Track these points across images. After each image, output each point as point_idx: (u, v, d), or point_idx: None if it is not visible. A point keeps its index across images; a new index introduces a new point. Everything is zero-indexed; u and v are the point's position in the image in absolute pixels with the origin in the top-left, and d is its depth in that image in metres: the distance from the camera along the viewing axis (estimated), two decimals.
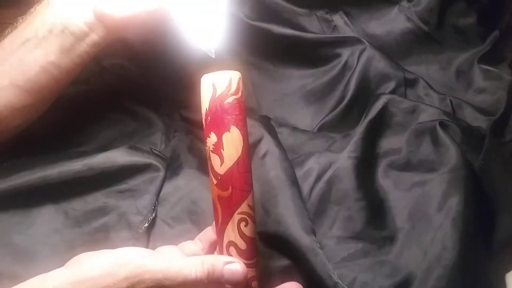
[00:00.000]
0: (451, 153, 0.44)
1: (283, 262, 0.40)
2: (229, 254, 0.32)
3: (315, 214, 0.43)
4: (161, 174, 0.42)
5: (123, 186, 0.41)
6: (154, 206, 0.40)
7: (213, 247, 0.36)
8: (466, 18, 0.59)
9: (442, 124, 0.46)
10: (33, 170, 0.39)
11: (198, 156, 0.44)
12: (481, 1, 0.59)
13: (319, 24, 0.59)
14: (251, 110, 0.55)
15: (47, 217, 0.39)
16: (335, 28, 0.59)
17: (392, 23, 0.59)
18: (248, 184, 0.33)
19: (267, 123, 0.50)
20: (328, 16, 0.60)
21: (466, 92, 0.56)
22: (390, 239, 0.41)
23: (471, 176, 0.43)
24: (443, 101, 0.53)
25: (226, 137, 0.32)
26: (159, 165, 0.43)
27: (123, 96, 0.51)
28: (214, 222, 0.34)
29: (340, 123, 0.53)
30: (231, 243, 0.32)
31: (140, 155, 0.42)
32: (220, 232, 0.33)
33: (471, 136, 0.47)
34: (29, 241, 0.37)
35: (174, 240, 0.36)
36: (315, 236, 0.40)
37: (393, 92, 0.53)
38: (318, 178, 0.45)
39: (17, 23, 0.41)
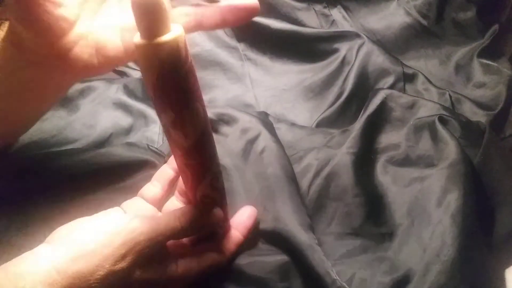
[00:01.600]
0: (450, 148, 0.44)
1: (282, 258, 0.39)
2: (204, 202, 0.34)
3: (314, 210, 0.43)
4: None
5: (119, 184, 0.40)
6: None
7: (171, 184, 0.38)
8: (465, 12, 0.59)
9: (441, 119, 0.46)
10: (29, 168, 0.39)
11: None
12: None
13: (317, 19, 0.59)
14: (248, 106, 0.55)
15: (43, 215, 0.38)
16: (333, 22, 0.59)
17: (391, 17, 0.59)
18: (214, 148, 0.33)
19: (265, 119, 0.49)
20: (326, 10, 0.59)
21: (465, 86, 0.56)
22: (389, 235, 0.41)
23: (470, 172, 0.42)
24: (442, 96, 0.53)
25: (185, 113, 0.28)
26: (157, 162, 0.42)
27: (118, 91, 0.51)
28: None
29: (338, 119, 0.53)
30: (205, 195, 0.34)
31: (137, 151, 0.42)
32: (191, 189, 0.34)
33: (470, 131, 0.47)
34: (29, 239, 0.37)
35: None
36: (313, 232, 0.40)
37: (391, 87, 0.53)
38: (317, 174, 0.45)
39: None
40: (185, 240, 0.37)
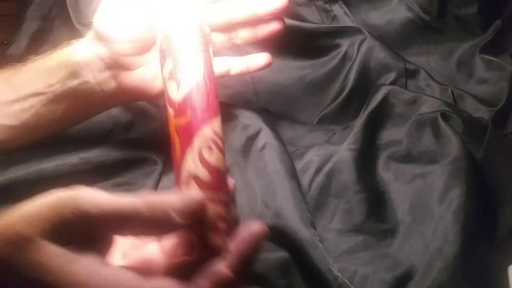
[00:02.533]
0: (453, 145, 0.43)
1: (283, 255, 0.39)
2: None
3: (315, 207, 0.43)
4: (159, 167, 0.41)
5: (119, 180, 0.40)
6: None
7: None
8: (467, 8, 0.58)
9: (444, 115, 0.46)
10: (29, 163, 0.39)
11: None
12: None
13: (319, 14, 0.58)
14: (249, 102, 0.55)
15: None
16: (334, 18, 0.58)
17: (393, 12, 0.58)
18: (211, 107, 0.27)
19: (266, 115, 0.49)
20: (327, 6, 0.59)
21: (467, 82, 0.55)
22: (391, 232, 0.41)
23: (472, 168, 0.42)
24: (444, 92, 0.53)
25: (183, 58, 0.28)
26: (157, 159, 0.42)
27: None
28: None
29: (340, 115, 0.53)
30: (191, 177, 0.25)
31: (136, 148, 0.42)
32: (178, 169, 0.26)
33: (472, 127, 0.46)
34: None
35: None
36: (315, 229, 0.40)
37: (393, 83, 0.53)
38: (318, 171, 0.45)
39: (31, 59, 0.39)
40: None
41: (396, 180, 0.44)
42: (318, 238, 0.39)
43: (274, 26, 0.39)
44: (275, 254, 0.39)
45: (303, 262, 0.38)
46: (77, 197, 0.22)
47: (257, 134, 0.45)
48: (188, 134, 0.26)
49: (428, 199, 0.41)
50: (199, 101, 0.27)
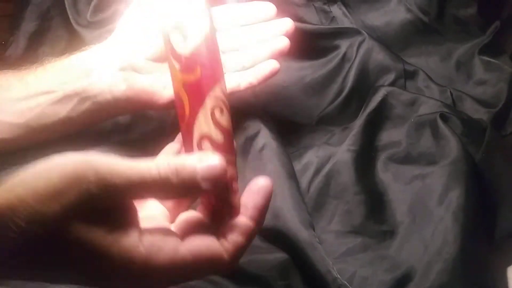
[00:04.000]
0: (452, 146, 0.43)
1: (281, 256, 0.39)
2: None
3: (314, 208, 0.43)
4: None
5: None
6: None
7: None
8: (466, 9, 0.58)
9: (443, 117, 0.46)
10: (26, 164, 0.38)
11: None
12: None
13: (317, 15, 0.58)
14: (248, 103, 0.54)
15: None
16: (333, 19, 0.58)
17: (392, 14, 0.58)
18: (220, 64, 0.27)
19: (265, 116, 0.49)
20: (326, 7, 0.59)
21: (466, 84, 0.55)
22: (390, 233, 0.41)
23: (472, 169, 0.42)
24: (443, 93, 0.53)
25: (190, 7, 0.26)
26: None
27: None
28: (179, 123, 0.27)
29: (339, 116, 0.53)
30: (204, 137, 0.25)
31: (136, 149, 0.42)
32: (188, 128, 0.26)
33: (472, 128, 0.46)
34: None
35: None
36: (314, 230, 0.39)
37: (392, 84, 0.53)
38: (317, 172, 0.45)
39: (44, 62, 0.39)
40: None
41: (395, 181, 0.44)
42: (317, 239, 0.38)
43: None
44: (274, 256, 0.39)
45: (302, 263, 0.38)
46: (97, 167, 0.21)
47: (256, 135, 0.45)
48: (199, 92, 0.26)
49: (427, 200, 0.41)
50: (209, 58, 0.26)
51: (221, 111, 0.26)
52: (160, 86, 0.37)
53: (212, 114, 0.26)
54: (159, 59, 0.37)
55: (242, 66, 0.39)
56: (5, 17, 0.62)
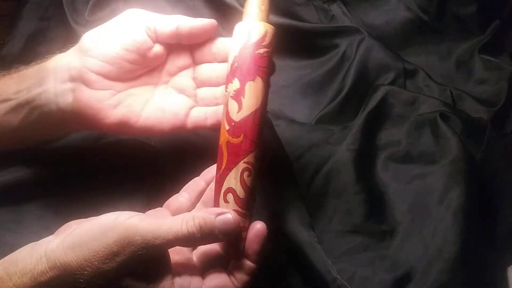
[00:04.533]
0: (452, 145, 0.43)
1: (281, 256, 0.39)
2: (226, 201, 0.32)
3: (314, 208, 0.42)
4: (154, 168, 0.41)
5: (116, 184, 0.40)
6: (147, 201, 0.39)
7: (199, 197, 0.35)
8: (466, 8, 0.58)
9: (443, 116, 0.46)
10: (23, 165, 0.38)
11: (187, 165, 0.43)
12: None
13: (317, 14, 0.58)
14: None
15: (37, 215, 0.38)
16: (333, 18, 0.58)
17: (391, 12, 0.58)
18: (259, 137, 0.33)
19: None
20: (325, 5, 0.58)
21: (466, 82, 0.55)
22: (390, 233, 0.41)
23: (472, 168, 0.42)
24: (443, 92, 0.53)
25: (249, 85, 0.32)
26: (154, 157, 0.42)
27: None
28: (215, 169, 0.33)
29: (338, 115, 0.53)
30: (230, 190, 0.32)
31: (131, 148, 0.41)
32: (221, 178, 0.32)
33: (472, 127, 0.46)
34: (19, 239, 0.36)
35: None
36: (313, 230, 0.39)
37: (392, 83, 0.53)
38: (316, 171, 0.45)
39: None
40: (194, 259, 0.34)
41: (395, 181, 0.44)
42: (316, 239, 0.38)
43: None
44: (274, 256, 0.39)
45: (302, 263, 0.38)
46: (142, 231, 0.28)
47: None
48: (236, 154, 0.32)
49: (427, 200, 0.41)
50: (252, 129, 0.32)
51: (249, 174, 0.32)
52: (109, 105, 0.35)
53: (242, 174, 0.32)
54: (115, 78, 0.35)
55: (215, 101, 0.37)
56: (3, 16, 0.61)
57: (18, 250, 0.29)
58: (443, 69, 0.56)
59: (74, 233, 0.28)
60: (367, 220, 0.41)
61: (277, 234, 0.38)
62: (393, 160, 0.45)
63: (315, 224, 0.41)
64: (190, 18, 0.36)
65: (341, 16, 0.58)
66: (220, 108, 0.36)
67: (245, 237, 0.32)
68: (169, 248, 0.30)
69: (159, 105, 0.36)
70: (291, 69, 0.56)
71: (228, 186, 0.32)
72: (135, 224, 0.28)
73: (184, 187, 0.36)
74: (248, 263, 0.32)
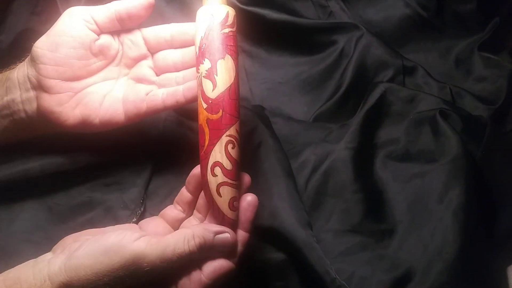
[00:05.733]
0: (452, 143, 0.43)
1: (279, 256, 0.38)
2: (214, 174, 0.33)
3: (311, 207, 0.42)
4: (149, 166, 0.40)
5: (109, 179, 0.39)
6: (142, 200, 0.39)
7: (191, 207, 0.37)
8: (466, 4, 0.58)
9: (442, 113, 0.45)
10: (14, 163, 0.37)
11: (189, 148, 0.43)
12: None
13: (315, 10, 0.57)
14: (244, 99, 0.54)
15: (29, 213, 0.37)
16: (331, 14, 0.57)
17: (390, 9, 0.57)
18: (237, 110, 0.34)
19: (261, 113, 0.48)
20: (324, 1, 0.58)
21: (466, 80, 0.55)
22: (389, 232, 0.40)
23: (472, 167, 0.41)
24: (442, 90, 0.52)
25: (220, 64, 0.34)
26: (147, 157, 0.41)
27: None
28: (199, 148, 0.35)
29: (336, 113, 0.52)
30: (217, 164, 0.33)
31: (127, 146, 0.40)
32: (206, 154, 0.34)
33: (472, 125, 0.46)
34: (11, 238, 0.35)
35: None
36: (312, 229, 0.39)
37: (391, 80, 0.52)
38: (314, 170, 0.44)
39: None
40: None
41: (394, 180, 0.43)
42: (315, 239, 0.38)
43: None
44: (272, 255, 0.38)
45: (300, 263, 0.37)
46: (149, 257, 0.29)
47: (252, 132, 0.44)
48: (218, 129, 0.33)
49: (427, 199, 0.40)
50: (229, 104, 0.34)
51: (233, 146, 0.34)
52: (69, 106, 0.36)
53: (226, 147, 0.34)
54: (72, 78, 0.36)
55: (175, 83, 0.38)
56: None
57: (17, 267, 0.30)
58: (442, 66, 0.56)
59: (76, 255, 0.29)
60: (366, 219, 0.41)
61: (275, 233, 0.38)
62: (392, 159, 0.45)
63: (313, 223, 0.40)
64: (124, 0, 0.37)
65: (339, 12, 0.57)
66: (178, 89, 0.37)
67: (238, 206, 0.34)
68: (173, 266, 0.31)
69: (116, 98, 0.37)
70: (289, 66, 0.56)
71: (214, 161, 0.33)
72: (141, 249, 0.29)
73: (176, 198, 0.37)
74: (242, 234, 0.34)
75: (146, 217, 0.38)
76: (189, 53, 0.38)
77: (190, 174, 0.36)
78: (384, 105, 0.48)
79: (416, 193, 0.42)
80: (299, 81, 0.55)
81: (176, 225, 0.36)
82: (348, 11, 0.58)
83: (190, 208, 0.37)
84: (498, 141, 0.46)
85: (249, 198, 0.35)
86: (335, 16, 0.57)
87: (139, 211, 0.38)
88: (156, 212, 0.38)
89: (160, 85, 0.38)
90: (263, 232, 0.38)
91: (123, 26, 0.37)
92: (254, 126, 0.44)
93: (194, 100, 0.36)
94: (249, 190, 0.37)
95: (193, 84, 0.37)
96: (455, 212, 0.39)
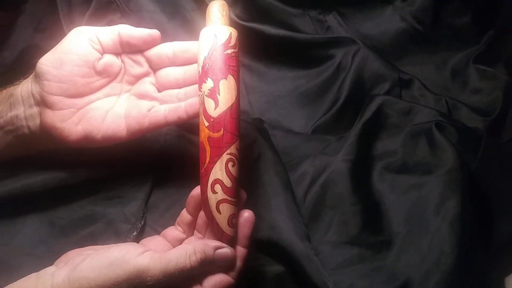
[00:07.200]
0: (448, 155, 0.43)
1: (277, 268, 0.39)
2: (214, 191, 0.34)
3: (310, 219, 0.42)
4: (150, 180, 0.41)
5: (110, 193, 0.40)
6: (142, 214, 0.39)
7: (192, 227, 0.37)
8: (461, 18, 0.58)
9: (438, 125, 0.46)
10: (17, 178, 0.38)
11: (189, 162, 0.43)
12: (476, 0, 0.58)
13: (313, 25, 0.58)
14: (244, 112, 0.54)
15: (32, 227, 0.37)
16: (328, 28, 0.58)
17: (387, 23, 0.58)
18: (238, 129, 0.35)
19: (260, 126, 0.49)
20: (321, 16, 0.59)
21: (461, 92, 0.55)
22: (387, 244, 0.40)
23: (468, 178, 0.42)
24: (438, 102, 0.53)
25: (223, 83, 0.35)
26: (148, 171, 0.41)
27: None
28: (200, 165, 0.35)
29: (334, 125, 0.53)
30: (217, 181, 0.34)
31: (127, 160, 0.41)
32: (207, 171, 0.34)
33: (467, 137, 0.46)
34: (13, 252, 0.36)
35: None
36: (310, 242, 0.39)
37: (388, 93, 0.53)
38: (313, 182, 0.44)
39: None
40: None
41: (391, 191, 0.44)
42: (313, 251, 0.38)
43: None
44: (270, 268, 0.39)
45: (298, 276, 0.38)
46: (153, 271, 0.30)
47: (251, 144, 0.45)
48: (219, 148, 0.34)
49: (424, 210, 0.41)
50: (231, 123, 0.34)
51: (233, 164, 0.34)
52: (72, 122, 0.37)
53: (226, 165, 0.34)
54: (75, 95, 0.37)
55: (177, 99, 0.39)
56: (1, 26, 0.61)
57: (20, 281, 0.30)
58: (438, 78, 0.57)
59: (80, 268, 0.29)
60: (364, 231, 0.41)
61: (273, 245, 0.38)
62: (389, 171, 0.45)
63: (312, 235, 0.41)
64: (132, 27, 0.38)
65: (336, 27, 0.58)
66: (180, 105, 0.37)
67: (236, 223, 0.35)
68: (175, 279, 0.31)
69: (118, 114, 0.38)
70: (288, 80, 0.57)
71: (214, 178, 0.34)
72: (145, 263, 0.30)
73: (177, 219, 0.38)
74: (240, 249, 0.35)
75: (146, 231, 0.38)
76: (191, 70, 0.39)
77: (189, 196, 0.37)
78: (381, 117, 0.49)
79: (413, 204, 0.42)
80: (298, 94, 0.56)
81: (176, 245, 0.36)
82: (346, 25, 0.59)
83: (190, 229, 0.37)
84: (494, 152, 0.46)
85: (246, 215, 0.35)
86: (332, 31, 0.58)
87: (140, 224, 0.38)
88: (156, 225, 0.39)
89: (162, 101, 0.39)
90: (262, 244, 0.39)
91: (124, 50, 0.39)
92: (254, 139, 0.45)
93: (195, 116, 0.37)
94: (249, 202, 0.37)
95: (195, 100, 0.37)
96: (452, 223, 0.39)
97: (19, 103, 0.37)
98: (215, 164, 0.34)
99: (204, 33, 0.36)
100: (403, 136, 0.47)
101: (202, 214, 0.36)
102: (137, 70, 0.39)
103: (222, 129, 0.34)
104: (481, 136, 0.46)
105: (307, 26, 0.58)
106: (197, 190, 0.36)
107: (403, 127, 0.48)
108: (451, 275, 0.37)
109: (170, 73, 0.39)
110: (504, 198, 0.44)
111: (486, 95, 0.54)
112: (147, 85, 0.39)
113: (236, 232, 0.35)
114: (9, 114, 0.37)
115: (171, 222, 0.38)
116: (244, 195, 0.37)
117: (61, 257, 0.33)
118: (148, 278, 0.30)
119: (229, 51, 0.35)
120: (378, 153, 0.47)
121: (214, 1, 0.38)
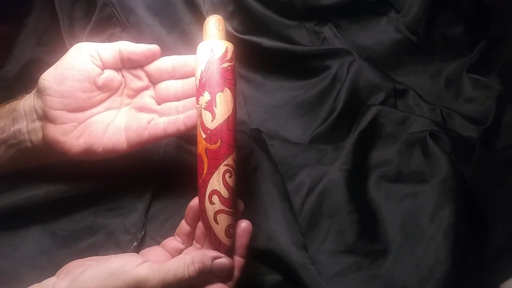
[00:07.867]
0: (442, 164, 0.44)
1: (275, 278, 0.39)
2: (212, 202, 0.34)
3: (307, 228, 0.43)
4: (150, 191, 0.41)
5: (111, 204, 0.40)
6: (143, 224, 0.40)
7: (190, 238, 0.38)
8: (454, 28, 0.60)
9: (433, 135, 0.46)
10: (19, 190, 0.39)
11: (188, 173, 0.44)
12: (468, 10, 0.59)
13: (309, 36, 0.59)
14: (242, 123, 0.55)
15: (34, 238, 0.38)
16: (324, 40, 0.59)
17: (381, 34, 0.59)
18: (235, 141, 0.36)
19: (258, 136, 0.50)
20: (317, 28, 0.60)
21: (455, 101, 0.56)
22: (383, 252, 0.41)
23: (462, 187, 0.42)
24: (433, 111, 0.53)
25: (219, 96, 0.35)
26: (148, 183, 0.42)
27: None
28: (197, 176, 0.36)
29: (331, 135, 0.53)
30: (214, 192, 0.35)
31: (128, 172, 0.42)
32: (204, 182, 0.35)
33: (461, 146, 0.47)
34: (16, 263, 0.36)
35: None
36: (307, 251, 0.40)
37: (383, 103, 0.53)
38: (310, 191, 0.45)
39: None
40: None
41: (387, 200, 0.44)
42: (310, 260, 0.39)
43: None
44: (267, 277, 0.39)
45: (295, 285, 0.38)
46: (151, 281, 0.30)
47: (249, 155, 0.45)
48: (216, 159, 0.35)
49: (418, 219, 0.41)
50: (227, 135, 0.35)
51: (230, 175, 0.35)
52: (74, 136, 0.37)
53: (223, 176, 0.35)
54: (76, 109, 0.38)
55: (176, 111, 0.40)
56: (2, 39, 0.62)
57: None
58: (432, 88, 0.57)
59: (81, 278, 0.30)
60: (360, 240, 0.42)
61: (271, 255, 0.39)
62: (385, 179, 0.46)
63: (309, 244, 0.41)
64: (132, 43, 0.39)
65: (332, 38, 0.59)
66: (179, 117, 0.38)
67: (234, 234, 0.36)
68: None
69: (119, 127, 0.39)
70: (285, 90, 0.58)
71: (212, 189, 0.34)
72: (144, 274, 0.31)
73: (176, 230, 0.38)
74: (238, 259, 0.36)
75: (147, 241, 0.39)
76: (189, 83, 0.40)
77: (187, 207, 0.37)
78: (377, 127, 0.49)
79: (408, 213, 0.43)
80: (295, 105, 0.57)
81: (175, 255, 0.37)
82: (341, 36, 0.60)
83: (189, 239, 0.38)
84: (487, 160, 0.47)
85: (243, 225, 0.36)
86: (328, 42, 0.59)
87: (140, 235, 0.39)
88: (156, 235, 0.39)
89: (162, 114, 0.40)
90: (260, 254, 0.39)
91: (125, 65, 0.40)
92: (251, 149, 0.46)
93: (194, 128, 0.38)
94: (246, 212, 0.38)
95: (193, 113, 0.38)
96: (446, 231, 0.39)
97: (21, 117, 0.38)
98: (212, 175, 0.34)
99: (201, 47, 0.37)
100: (398, 146, 0.48)
101: (200, 224, 0.37)
102: (137, 84, 0.40)
103: (219, 140, 0.35)
104: (474, 145, 0.47)
105: (303, 38, 0.59)
106: (195, 201, 0.36)
107: (398, 137, 0.49)
108: (445, 282, 0.37)
109: (169, 86, 0.40)
110: (498, 206, 0.44)
111: (480, 104, 0.55)
112: (146, 98, 0.40)
113: (233, 242, 0.35)
114: (12, 129, 0.38)
115: (171, 232, 0.38)
116: (241, 205, 0.37)
117: (62, 268, 0.33)
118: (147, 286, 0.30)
119: (226, 64, 0.36)
120: (374, 162, 0.47)
121: (210, 16, 0.39)
